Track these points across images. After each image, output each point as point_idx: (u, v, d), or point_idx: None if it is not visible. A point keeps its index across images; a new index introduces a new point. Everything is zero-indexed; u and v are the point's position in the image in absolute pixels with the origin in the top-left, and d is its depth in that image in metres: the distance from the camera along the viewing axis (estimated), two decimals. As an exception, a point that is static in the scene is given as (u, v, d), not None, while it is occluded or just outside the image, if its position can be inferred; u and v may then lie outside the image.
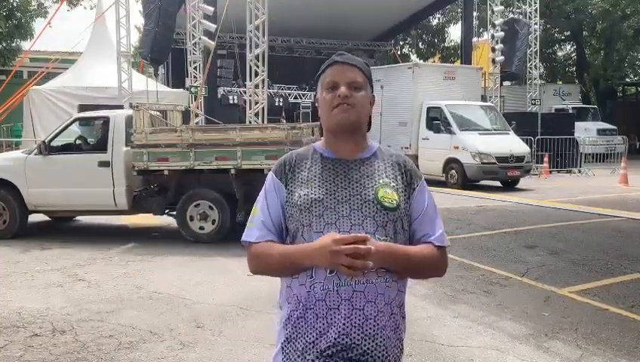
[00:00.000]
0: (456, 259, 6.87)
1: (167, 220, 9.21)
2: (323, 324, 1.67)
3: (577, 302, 5.40)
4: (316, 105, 1.87)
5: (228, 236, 7.85)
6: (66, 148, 8.49)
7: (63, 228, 9.33)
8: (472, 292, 5.69)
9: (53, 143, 8.30)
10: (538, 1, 20.06)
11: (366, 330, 1.66)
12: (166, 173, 7.87)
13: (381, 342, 1.68)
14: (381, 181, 1.77)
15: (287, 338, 1.74)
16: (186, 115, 10.50)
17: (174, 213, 8.05)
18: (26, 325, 4.72)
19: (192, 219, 7.89)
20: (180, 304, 5.18)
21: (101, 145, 8.19)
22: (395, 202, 1.74)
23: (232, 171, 7.67)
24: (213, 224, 7.87)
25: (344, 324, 1.66)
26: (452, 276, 6.21)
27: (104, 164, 7.96)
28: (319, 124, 1.90)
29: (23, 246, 7.72)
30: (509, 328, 4.72)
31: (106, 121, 8.27)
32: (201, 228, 7.88)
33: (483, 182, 14.86)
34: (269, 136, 7.80)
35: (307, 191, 1.75)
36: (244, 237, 1.82)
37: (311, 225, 1.72)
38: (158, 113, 9.05)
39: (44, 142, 8.27)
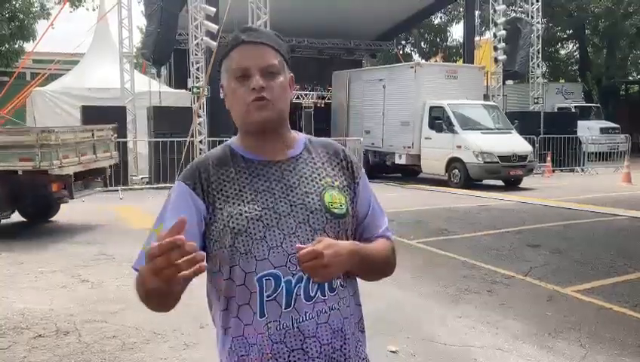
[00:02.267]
0: (459, 259, 6.86)
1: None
2: None
3: (581, 302, 5.39)
4: (221, 95, 1.54)
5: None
6: None
7: (64, 229, 9.34)
8: (475, 291, 5.69)
9: None
10: (540, 0, 20.02)
11: None
12: None
13: None
14: (323, 182, 1.49)
15: None
16: None
17: None
18: (29, 326, 4.73)
19: None
20: (183, 304, 5.15)
21: None
22: (343, 206, 1.48)
23: None
24: None
25: None
26: (455, 275, 6.21)
27: None
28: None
29: (25, 247, 7.73)
30: (512, 327, 4.71)
31: None
32: None
33: (486, 182, 14.85)
34: (20, 139, 8.25)
35: (240, 209, 1.41)
36: (135, 264, 1.45)
37: (251, 252, 1.39)
38: None
39: None
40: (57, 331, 4.61)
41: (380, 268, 1.58)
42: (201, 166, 1.49)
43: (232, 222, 1.41)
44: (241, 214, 1.41)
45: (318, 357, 1.40)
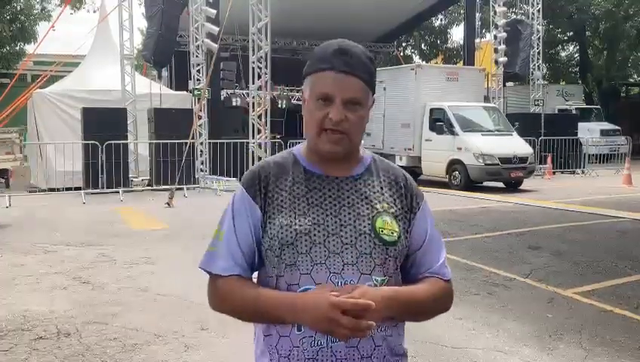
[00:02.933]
0: (460, 261, 6.86)
1: (167, 223, 9.23)
2: None
3: (581, 304, 5.39)
4: (300, 102, 1.56)
5: None
6: None
7: (65, 231, 9.35)
8: (475, 293, 5.68)
9: None
10: (541, 2, 20.03)
11: None
12: None
13: None
14: (378, 206, 1.47)
15: None
16: None
17: None
18: (30, 328, 4.73)
19: None
20: (184, 306, 5.18)
21: None
22: (395, 234, 1.45)
23: None
24: None
25: None
26: (456, 277, 6.17)
27: None
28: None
29: (27, 249, 7.74)
30: (513, 329, 4.71)
31: None
32: None
33: (486, 184, 14.84)
34: None
35: (290, 221, 1.43)
36: (204, 265, 1.50)
37: (296, 265, 1.40)
38: None
39: None
40: (58, 333, 4.61)
41: (426, 310, 1.52)
42: (262, 172, 1.50)
43: (281, 233, 1.42)
44: (290, 226, 1.42)
45: None
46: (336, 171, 1.49)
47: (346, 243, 1.41)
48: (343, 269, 1.39)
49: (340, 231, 1.42)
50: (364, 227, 1.44)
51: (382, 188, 1.51)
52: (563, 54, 34.66)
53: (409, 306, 1.44)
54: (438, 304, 1.53)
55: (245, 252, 1.47)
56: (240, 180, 1.55)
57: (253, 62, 12.90)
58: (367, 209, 1.46)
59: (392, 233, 1.45)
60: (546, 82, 26.12)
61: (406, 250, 1.50)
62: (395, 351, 1.48)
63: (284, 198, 1.46)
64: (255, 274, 1.52)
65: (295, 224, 1.42)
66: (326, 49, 1.47)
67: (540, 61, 20.75)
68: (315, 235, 1.41)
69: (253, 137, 12.24)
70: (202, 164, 15.52)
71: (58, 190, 13.54)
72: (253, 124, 12.31)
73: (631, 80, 32.91)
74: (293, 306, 1.37)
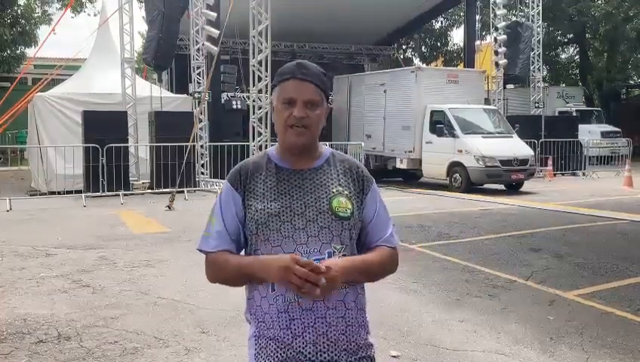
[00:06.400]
0: (461, 263, 6.86)
1: (167, 226, 9.22)
2: (287, 336, 1.75)
3: (582, 306, 5.39)
4: (272, 108, 1.92)
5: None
6: None
7: (66, 234, 9.36)
8: (476, 296, 5.68)
9: None
10: (541, 4, 20.05)
11: (330, 337, 1.75)
12: None
13: (345, 346, 1.76)
14: (334, 190, 1.82)
15: (257, 353, 1.84)
16: None
17: None
18: (31, 331, 4.73)
19: None
20: (185, 309, 5.18)
21: None
22: (348, 211, 1.80)
23: None
24: None
25: (309, 333, 1.74)
26: (457, 280, 6.21)
27: None
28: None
29: (27, 252, 7.74)
30: (514, 332, 4.71)
31: None
32: None
33: (487, 186, 14.84)
34: None
35: (264, 206, 1.79)
36: (199, 246, 1.87)
37: (269, 240, 1.77)
38: None
39: None
40: (59, 336, 4.61)
41: (377, 273, 1.87)
42: (242, 169, 1.88)
43: (257, 215, 1.79)
44: (263, 210, 1.79)
45: (312, 326, 1.74)
46: (301, 164, 1.85)
47: (309, 221, 1.77)
48: (307, 240, 1.75)
49: (304, 211, 1.78)
50: (323, 206, 1.79)
51: (338, 175, 1.87)
52: (563, 56, 34.68)
53: (362, 270, 1.79)
54: (386, 267, 1.89)
55: (231, 232, 1.84)
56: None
57: (254, 65, 12.90)
58: (325, 192, 1.82)
59: (346, 210, 1.80)
60: (546, 84, 26.13)
61: (360, 223, 1.85)
62: (355, 307, 1.81)
63: (259, 189, 1.83)
64: (242, 253, 1.88)
65: (267, 208, 1.79)
66: (288, 65, 1.87)
67: (540, 63, 20.76)
68: (283, 215, 1.78)
69: (253, 140, 12.24)
70: (203, 166, 15.53)
71: (59, 193, 13.55)
72: (253, 127, 12.30)
73: (631, 82, 32.90)
74: (261, 263, 1.74)
